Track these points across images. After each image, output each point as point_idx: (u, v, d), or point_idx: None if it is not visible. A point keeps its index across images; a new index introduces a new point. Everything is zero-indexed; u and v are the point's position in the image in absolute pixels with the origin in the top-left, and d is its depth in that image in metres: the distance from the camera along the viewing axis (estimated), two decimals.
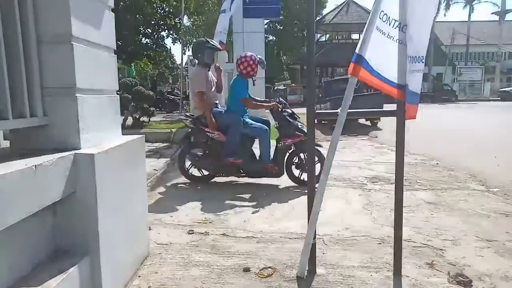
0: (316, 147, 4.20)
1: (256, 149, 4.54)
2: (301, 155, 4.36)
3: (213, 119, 4.31)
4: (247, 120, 4.42)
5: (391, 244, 2.36)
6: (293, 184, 4.47)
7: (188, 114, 4.65)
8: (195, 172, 4.66)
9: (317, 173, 4.35)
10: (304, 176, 4.26)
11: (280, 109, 4.37)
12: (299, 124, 4.34)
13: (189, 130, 4.51)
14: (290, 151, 4.42)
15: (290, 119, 4.34)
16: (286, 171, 4.44)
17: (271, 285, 2.22)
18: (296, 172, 4.45)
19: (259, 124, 4.41)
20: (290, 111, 4.44)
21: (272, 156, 4.42)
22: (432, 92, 29.40)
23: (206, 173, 4.63)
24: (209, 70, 4.63)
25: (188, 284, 2.23)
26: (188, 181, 4.66)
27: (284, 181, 4.54)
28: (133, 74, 23.02)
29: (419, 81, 2.09)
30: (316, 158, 4.26)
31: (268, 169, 4.36)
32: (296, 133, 4.26)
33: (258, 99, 4.83)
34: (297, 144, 4.30)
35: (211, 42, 4.64)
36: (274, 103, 4.46)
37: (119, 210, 2.09)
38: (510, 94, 28.08)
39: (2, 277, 1.45)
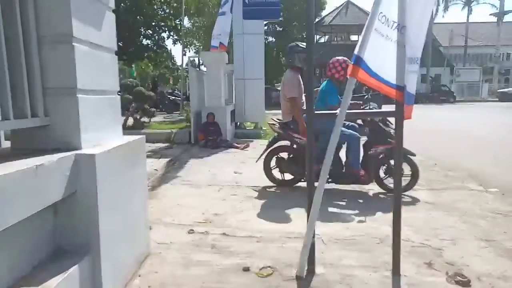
0: (409, 155, 4.03)
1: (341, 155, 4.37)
2: (391, 162, 4.10)
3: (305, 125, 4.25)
4: None
5: (390, 244, 2.37)
6: (381, 190, 4.27)
7: (276, 119, 4.59)
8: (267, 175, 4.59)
9: (405, 182, 3.99)
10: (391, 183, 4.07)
11: (370, 118, 4.15)
12: (391, 130, 4.09)
13: (276, 134, 4.45)
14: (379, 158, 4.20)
15: (383, 126, 4.12)
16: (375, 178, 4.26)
17: (270, 285, 2.23)
18: (385, 179, 4.26)
19: (350, 131, 4.21)
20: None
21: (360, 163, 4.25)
22: (430, 93, 29.42)
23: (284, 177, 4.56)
24: (301, 75, 4.49)
25: (188, 284, 2.24)
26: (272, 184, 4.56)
27: (369, 187, 4.36)
28: (133, 75, 23.04)
29: (415, 82, 2.12)
30: (408, 166, 4.05)
31: (357, 176, 4.19)
32: (389, 140, 4.04)
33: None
34: (387, 151, 4.10)
35: (301, 45, 4.47)
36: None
37: (120, 210, 2.10)
38: (508, 95, 28.14)
39: (2, 276, 1.46)
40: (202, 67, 15.00)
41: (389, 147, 4.04)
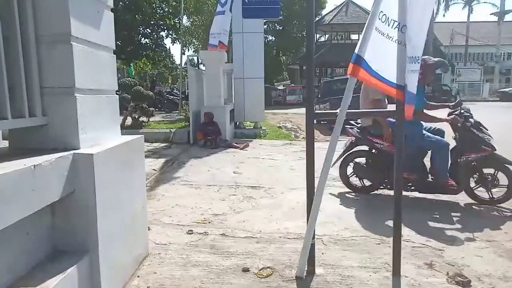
0: (507, 164, 3.72)
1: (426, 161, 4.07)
2: (485, 170, 3.83)
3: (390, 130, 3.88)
4: (424, 132, 3.91)
5: (390, 244, 2.37)
6: (470, 200, 3.91)
7: (353, 122, 4.31)
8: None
9: (500, 193, 3.78)
10: (486, 194, 3.83)
11: (461, 124, 3.78)
12: (485, 136, 3.75)
13: (353, 139, 4.20)
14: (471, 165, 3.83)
15: (476, 132, 3.75)
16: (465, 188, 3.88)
17: (270, 285, 2.22)
18: (477, 189, 3.90)
19: (437, 137, 3.84)
20: (473, 121, 3.81)
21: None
22: (431, 93, 29.39)
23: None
24: None
25: (187, 284, 2.23)
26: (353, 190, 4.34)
27: (456, 197, 4.02)
28: (132, 74, 23.02)
29: (415, 81, 2.10)
30: (505, 176, 3.73)
31: (445, 186, 3.82)
32: (483, 147, 3.70)
33: (434, 104, 4.22)
34: (480, 158, 3.75)
35: None
36: (453, 117, 3.82)
37: (118, 210, 2.09)
38: (508, 95, 28.13)
39: (1, 277, 1.44)
40: (201, 66, 14.98)
41: (484, 154, 3.70)
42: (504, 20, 36.36)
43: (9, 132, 1.89)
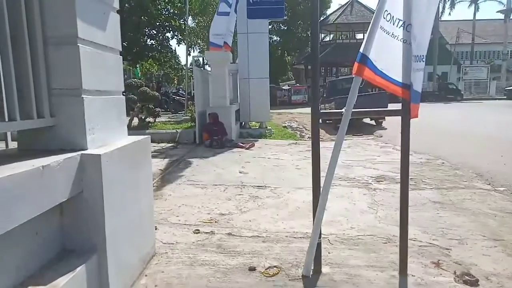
0: None
1: None
2: None
3: None
4: None
5: (397, 244, 2.36)
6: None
7: None
8: None
9: None
10: None
11: None
12: None
13: None
14: None
15: None
16: None
17: (276, 284, 2.23)
18: None
19: None
20: None
21: None
22: (437, 91, 29.20)
23: None
24: None
25: (194, 283, 2.24)
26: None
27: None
28: (138, 75, 23.15)
29: (421, 79, 2.09)
30: None
31: None
32: None
33: None
34: None
35: None
36: None
37: (126, 209, 2.11)
38: None
39: (10, 276, 1.47)
40: (207, 67, 15.04)
41: None
42: (510, 18, 35.91)
43: (18, 133, 1.92)
